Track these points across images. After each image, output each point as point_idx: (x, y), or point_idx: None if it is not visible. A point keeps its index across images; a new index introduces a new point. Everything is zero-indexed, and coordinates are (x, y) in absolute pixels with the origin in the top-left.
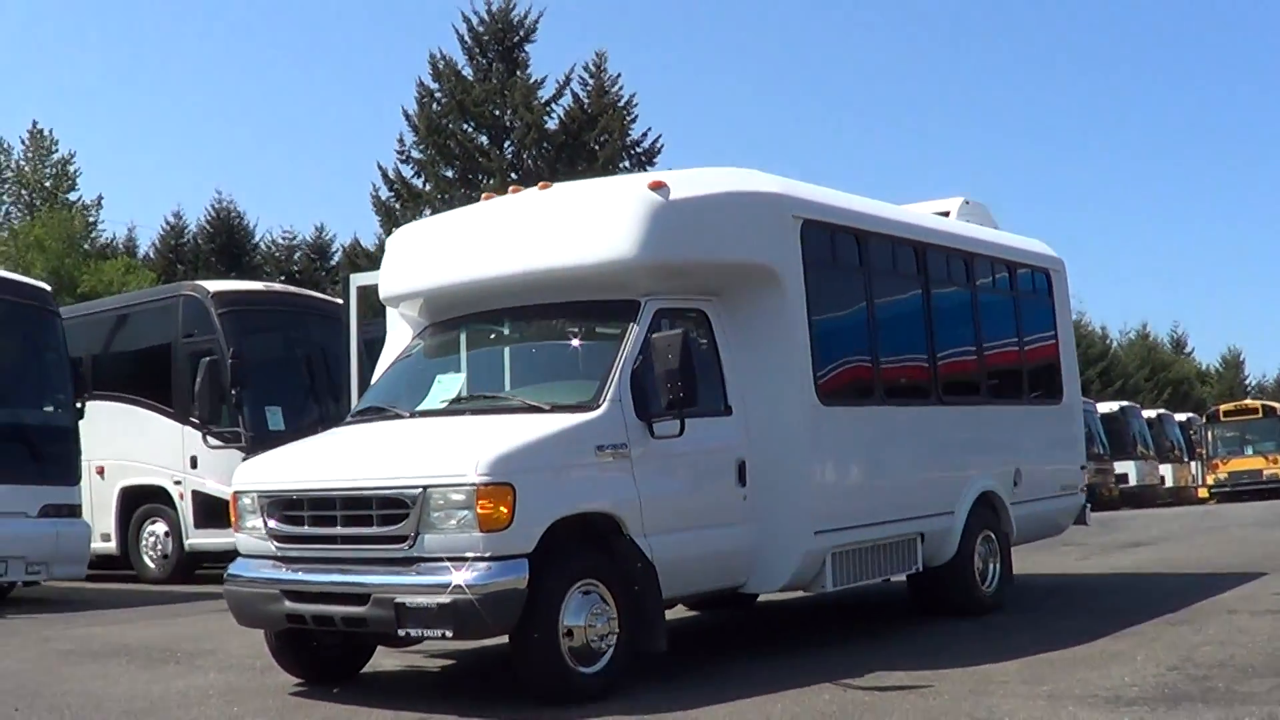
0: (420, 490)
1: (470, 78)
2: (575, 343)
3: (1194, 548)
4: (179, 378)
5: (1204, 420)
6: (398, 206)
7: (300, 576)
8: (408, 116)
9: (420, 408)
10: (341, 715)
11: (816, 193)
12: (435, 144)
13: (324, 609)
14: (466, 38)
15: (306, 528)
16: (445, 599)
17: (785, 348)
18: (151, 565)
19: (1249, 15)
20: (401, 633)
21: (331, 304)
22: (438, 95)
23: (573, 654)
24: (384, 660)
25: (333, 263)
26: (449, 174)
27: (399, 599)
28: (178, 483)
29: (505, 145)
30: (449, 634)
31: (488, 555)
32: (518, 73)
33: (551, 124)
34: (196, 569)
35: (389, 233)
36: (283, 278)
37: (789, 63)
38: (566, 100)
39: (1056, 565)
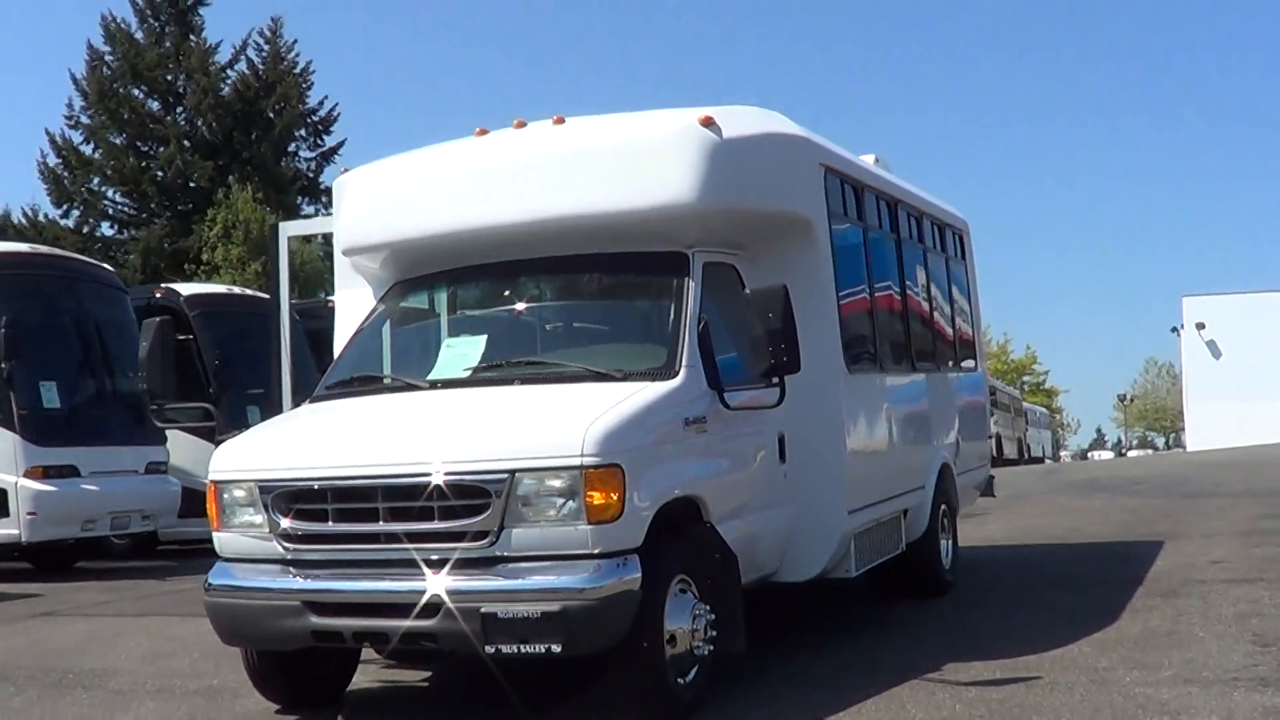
0: (507, 475)
1: (143, 41)
2: (621, 301)
3: (1031, 517)
4: None
5: None
6: (66, 174)
7: (333, 586)
8: (76, 81)
9: (437, 377)
10: None
11: (824, 139)
12: (106, 109)
13: (371, 623)
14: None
15: (332, 525)
16: (553, 606)
17: (817, 309)
18: None
19: None
20: (490, 649)
21: (104, 270)
22: (109, 59)
23: (673, 663)
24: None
25: None
26: (119, 141)
27: (486, 608)
28: None
29: (179, 111)
30: (555, 648)
31: (597, 552)
32: (191, 37)
33: (226, 91)
34: None
35: (57, 200)
36: None
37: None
38: (241, 67)
39: None
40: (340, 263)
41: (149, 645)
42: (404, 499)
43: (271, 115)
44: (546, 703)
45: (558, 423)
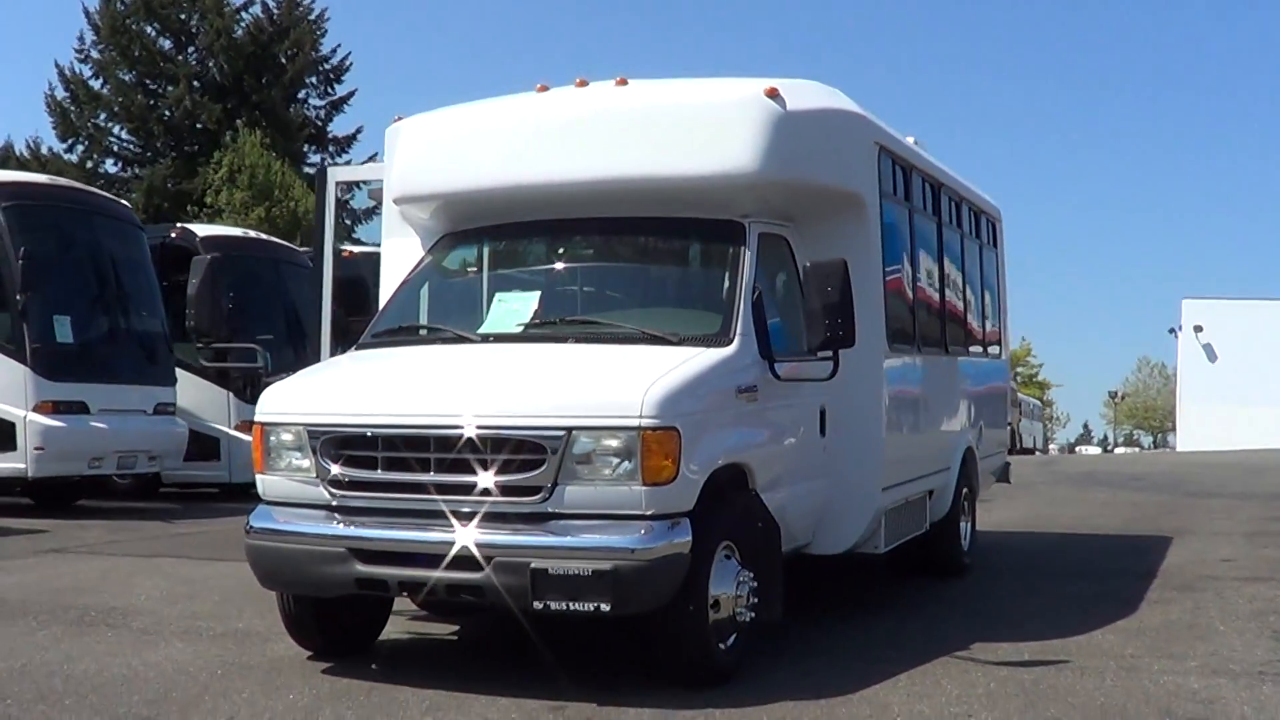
0: (564, 433)
1: None
2: (676, 266)
3: (1036, 506)
4: None
5: None
6: (73, 108)
7: (380, 534)
8: (88, 14)
9: (489, 330)
10: (447, 703)
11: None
12: (117, 45)
13: (418, 573)
14: None
15: (382, 473)
16: (605, 565)
17: (863, 286)
18: None
19: None
20: (538, 604)
21: (122, 206)
22: None
23: (715, 627)
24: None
25: None
26: (128, 78)
27: (536, 564)
28: None
29: (190, 51)
30: (604, 606)
31: (650, 513)
32: None
33: (239, 33)
34: None
35: (62, 134)
36: None
37: None
38: (256, 10)
39: None
40: (389, 211)
41: (166, 586)
42: (458, 451)
43: (283, 60)
44: (581, 661)
45: (617, 383)
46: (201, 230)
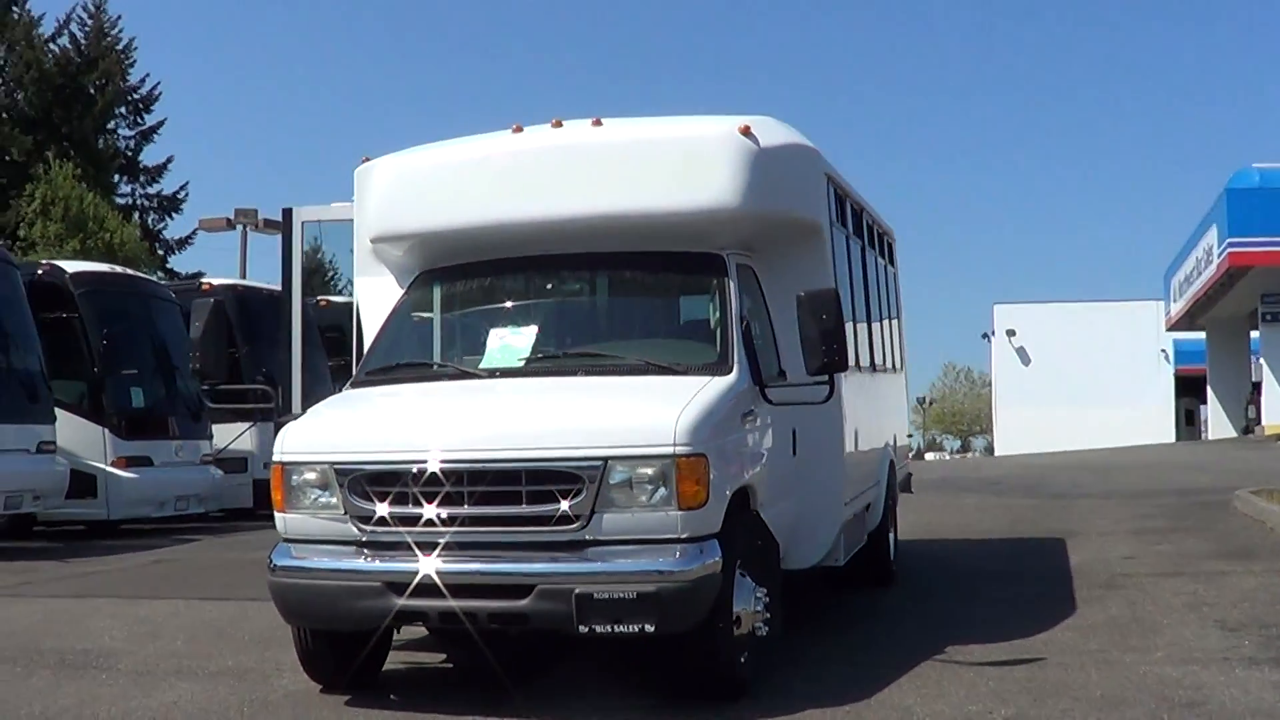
0: (600, 462)
1: None
2: (666, 299)
3: (916, 515)
4: None
5: None
6: None
7: (420, 567)
8: None
9: (493, 365)
10: None
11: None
12: None
13: (460, 604)
14: None
15: (411, 507)
16: (648, 588)
17: None
18: None
19: None
20: (583, 629)
21: None
22: None
23: (736, 643)
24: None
25: None
26: None
27: (580, 590)
28: None
29: None
30: (649, 627)
31: (685, 536)
32: (14, 8)
33: (49, 64)
34: None
35: None
36: None
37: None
38: (64, 41)
39: None
40: (361, 250)
41: (123, 627)
42: (494, 483)
43: (92, 91)
44: (596, 681)
45: (647, 413)
46: (70, 266)
